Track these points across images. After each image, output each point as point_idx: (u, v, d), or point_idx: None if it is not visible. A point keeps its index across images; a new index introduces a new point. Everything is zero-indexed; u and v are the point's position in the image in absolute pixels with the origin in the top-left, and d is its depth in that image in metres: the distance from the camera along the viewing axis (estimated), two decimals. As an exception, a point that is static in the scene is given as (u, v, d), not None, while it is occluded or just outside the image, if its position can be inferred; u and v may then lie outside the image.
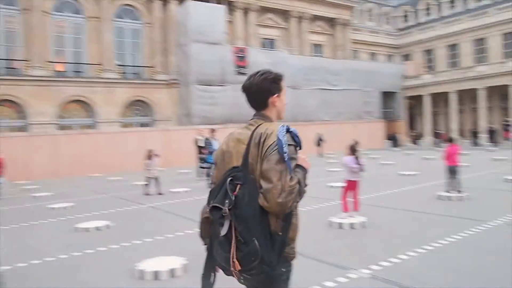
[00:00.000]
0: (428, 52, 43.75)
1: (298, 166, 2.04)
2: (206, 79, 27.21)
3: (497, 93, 35.87)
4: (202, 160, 16.46)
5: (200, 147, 16.77)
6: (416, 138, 37.58)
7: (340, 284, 4.55)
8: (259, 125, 2.10)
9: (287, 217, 2.00)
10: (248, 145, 2.04)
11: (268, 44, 36.03)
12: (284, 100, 2.25)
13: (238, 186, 1.97)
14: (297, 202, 1.99)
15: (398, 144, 36.13)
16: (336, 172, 16.54)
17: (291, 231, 2.05)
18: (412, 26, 46.51)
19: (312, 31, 37.98)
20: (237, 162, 2.07)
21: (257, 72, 2.21)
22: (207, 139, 13.88)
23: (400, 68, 41.34)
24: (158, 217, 9.10)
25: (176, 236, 7.07)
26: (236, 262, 1.89)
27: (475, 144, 32.70)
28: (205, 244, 2.19)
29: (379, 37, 45.31)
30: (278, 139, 1.95)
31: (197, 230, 2.27)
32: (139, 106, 28.54)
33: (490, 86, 34.47)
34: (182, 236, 7.10)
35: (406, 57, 45.27)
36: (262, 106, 2.20)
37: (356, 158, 7.61)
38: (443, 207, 8.75)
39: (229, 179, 1.99)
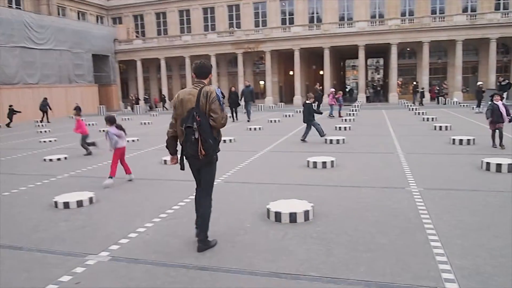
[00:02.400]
0: (139, 17, 44.09)
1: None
2: None
3: (201, 61, 39.77)
4: None
5: None
6: (135, 103, 37.25)
7: (79, 275, 3.97)
8: (202, 87, 4.21)
9: (219, 131, 4.26)
10: (198, 96, 4.13)
11: None
12: (211, 76, 4.45)
13: (198, 116, 4.04)
14: (226, 122, 4.25)
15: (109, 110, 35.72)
16: (50, 143, 14.86)
17: (219, 137, 4.29)
18: (122, -11, 45.74)
19: (6, -23, 32.34)
20: (192, 105, 4.13)
21: (204, 60, 4.48)
22: None
23: (111, 31, 40.39)
24: None
25: None
26: (202, 151, 4.07)
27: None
28: (170, 151, 4.52)
29: (88, -4, 42.64)
30: (216, 94, 4.16)
31: None
32: None
33: (195, 55, 37.90)
34: None
35: (117, 20, 44.37)
36: (204, 77, 4.31)
37: (118, 127, 7.90)
38: (166, 171, 8.98)
39: (194, 112, 4.05)
